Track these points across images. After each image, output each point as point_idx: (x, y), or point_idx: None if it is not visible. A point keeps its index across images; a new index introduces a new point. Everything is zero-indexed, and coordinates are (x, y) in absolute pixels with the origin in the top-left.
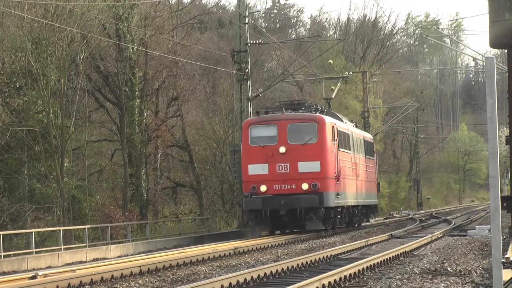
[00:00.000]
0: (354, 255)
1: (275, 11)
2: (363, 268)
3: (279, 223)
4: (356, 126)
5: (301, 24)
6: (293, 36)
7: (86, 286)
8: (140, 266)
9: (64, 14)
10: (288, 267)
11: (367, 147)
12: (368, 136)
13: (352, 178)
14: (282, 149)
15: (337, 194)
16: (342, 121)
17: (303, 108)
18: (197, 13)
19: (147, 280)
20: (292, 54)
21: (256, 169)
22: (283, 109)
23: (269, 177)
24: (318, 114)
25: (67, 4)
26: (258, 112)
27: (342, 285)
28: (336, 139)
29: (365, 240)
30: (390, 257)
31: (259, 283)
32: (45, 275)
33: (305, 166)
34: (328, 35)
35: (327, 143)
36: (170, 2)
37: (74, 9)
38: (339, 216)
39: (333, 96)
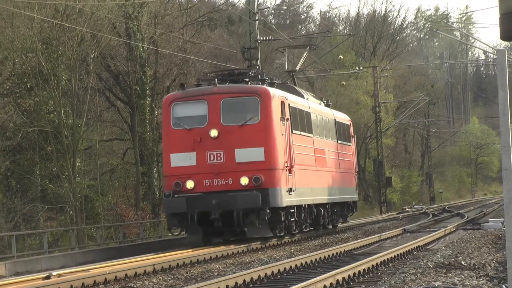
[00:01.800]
0: (367, 250)
1: (284, 8)
2: (377, 263)
3: (211, 229)
4: (328, 105)
5: (310, 20)
6: (303, 32)
7: (100, 286)
8: (154, 265)
9: (74, 13)
10: (301, 263)
11: (341, 130)
12: (342, 117)
13: (315, 169)
14: (214, 133)
15: (290, 190)
16: (302, 96)
17: (247, 80)
18: (206, 10)
19: (161, 278)
20: (302, 49)
21: (181, 159)
22: (216, 80)
23: (198, 169)
24: (262, 86)
25: (77, 4)
26: (183, 85)
27: (356, 281)
28: (287, 119)
29: (378, 235)
30: (403, 252)
31: (273, 280)
32: (59, 275)
33: (244, 155)
34: (338, 30)
35: (274, 123)
36: (180, 0)
37: (84, 8)
38: (293, 219)
39: (297, 68)
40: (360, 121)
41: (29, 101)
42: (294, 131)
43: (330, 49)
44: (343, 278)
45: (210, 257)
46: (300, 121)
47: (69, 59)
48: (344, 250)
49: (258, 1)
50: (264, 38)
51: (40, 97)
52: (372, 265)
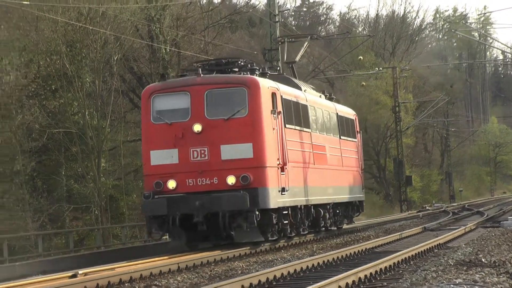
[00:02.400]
0: (388, 248)
1: (304, 9)
2: (398, 261)
3: (195, 233)
4: (331, 98)
5: (330, 22)
6: (323, 33)
7: (126, 284)
8: (178, 263)
9: (97, 16)
10: (323, 261)
11: (344, 125)
12: (345, 111)
13: (313, 166)
14: (197, 127)
15: (282, 190)
16: (299, 88)
17: (236, 70)
18: (227, 12)
19: (186, 276)
20: (323, 51)
21: (162, 156)
22: (199, 70)
23: (180, 167)
24: (251, 76)
25: (100, 7)
26: (164, 75)
27: (378, 278)
28: (280, 112)
29: (399, 233)
30: (424, 250)
31: (296, 277)
32: (85, 274)
33: (230, 151)
34: (358, 31)
35: (263, 116)
36: (201, 2)
37: (107, 11)
38: (287, 221)
39: (297, 59)
40: (380, 121)
41: (54, 102)
42: (287, 125)
43: (350, 50)
44: (365, 275)
45: (234, 255)
46: (295, 114)
47: (93, 61)
48: (366, 248)
49: (278, 3)
50: (285, 39)
51: (65, 99)
52: (394, 263)
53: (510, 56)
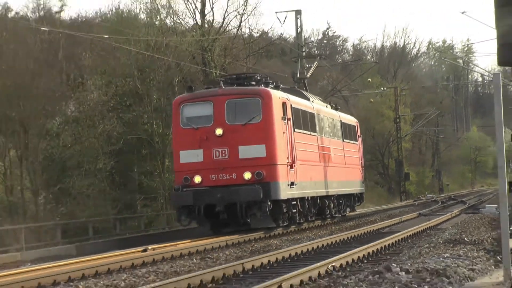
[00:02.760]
0: (391, 229)
1: (325, 41)
2: (398, 240)
3: (218, 221)
4: (336, 108)
5: (345, 51)
6: (339, 60)
7: (185, 257)
8: (226, 241)
9: (162, 47)
10: (340, 239)
11: (347, 130)
12: (348, 118)
13: (319, 164)
14: (219, 131)
15: (291, 184)
16: (308, 99)
17: (253, 83)
18: (264, 44)
19: (232, 251)
20: (339, 74)
21: (189, 156)
22: (221, 83)
23: (204, 165)
24: (265, 88)
25: (164, 40)
26: (191, 87)
27: (383, 253)
28: (289, 118)
29: (399, 218)
30: (419, 231)
31: (319, 252)
32: (154, 249)
33: (247, 151)
34: (367, 59)
35: (275, 122)
36: (243, 36)
37: (169, 43)
38: (295, 210)
39: (308, 75)
40: (384, 130)
41: (128, 115)
42: (296, 130)
43: (360, 74)
44: (373, 251)
45: (270, 235)
46: (303, 120)
47: (159, 82)
48: (373, 229)
49: (304, 36)
50: (309, 65)
51: (137, 112)
52: (395, 241)
53: (487, 78)
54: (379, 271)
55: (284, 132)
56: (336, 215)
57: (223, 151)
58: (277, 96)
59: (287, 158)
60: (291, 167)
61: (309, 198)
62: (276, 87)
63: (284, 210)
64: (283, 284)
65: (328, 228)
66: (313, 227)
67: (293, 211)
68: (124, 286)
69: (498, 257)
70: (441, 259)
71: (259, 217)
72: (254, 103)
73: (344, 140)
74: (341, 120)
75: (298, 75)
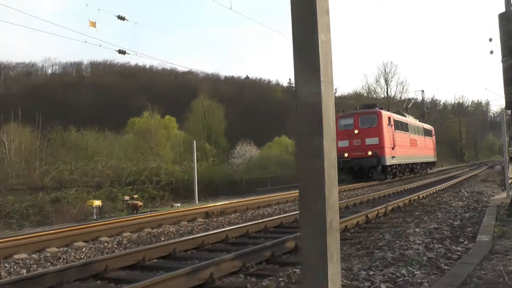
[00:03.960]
0: (459, 175)
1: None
2: (462, 179)
3: (354, 174)
4: (421, 121)
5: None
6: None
7: (344, 193)
8: (362, 185)
9: None
10: (403, 189)
11: (426, 131)
12: (428, 126)
13: (409, 147)
14: (356, 131)
15: (393, 157)
16: (404, 116)
17: (375, 108)
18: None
19: (364, 190)
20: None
21: (342, 144)
22: (358, 108)
23: (349, 148)
24: (378, 109)
25: None
26: (344, 111)
27: (456, 185)
28: (392, 125)
29: (461, 170)
30: (470, 176)
31: (392, 195)
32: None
33: (370, 141)
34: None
35: (383, 126)
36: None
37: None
38: (394, 170)
39: (409, 106)
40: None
41: None
42: (396, 130)
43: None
44: (452, 184)
45: (362, 186)
46: (401, 126)
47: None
48: (447, 176)
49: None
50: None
51: None
52: (461, 180)
53: None
54: (456, 191)
55: (389, 132)
56: (420, 171)
57: (357, 141)
58: (386, 114)
59: (390, 144)
60: (393, 149)
61: (404, 164)
62: (386, 110)
63: (389, 170)
64: (389, 207)
65: (418, 177)
66: (407, 178)
67: (394, 171)
68: None
69: (503, 187)
70: (481, 187)
71: (375, 174)
72: (373, 117)
73: (425, 136)
74: (423, 127)
75: (404, 107)
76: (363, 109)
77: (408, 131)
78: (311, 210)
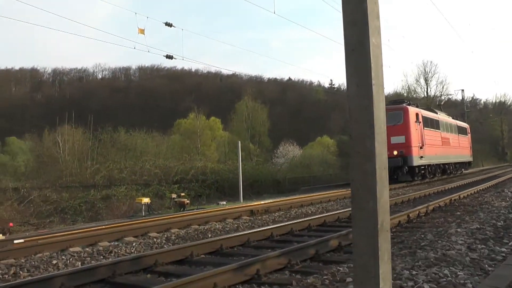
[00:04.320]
0: (501, 174)
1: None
2: (504, 179)
3: None
4: (456, 118)
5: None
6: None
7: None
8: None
9: None
10: (436, 191)
11: (460, 129)
12: (463, 124)
13: (440, 146)
14: None
15: (421, 157)
16: (436, 113)
17: (403, 103)
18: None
19: (390, 192)
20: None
21: None
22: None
23: None
24: (405, 105)
25: None
26: None
27: (498, 185)
28: (421, 122)
29: (503, 170)
30: (507, 178)
31: (422, 198)
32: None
33: (395, 139)
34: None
35: (410, 123)
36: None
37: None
38: (423, 172)
39: (442, 103)
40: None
41: None
42: (425, 128)
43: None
44: (493, 184)
45: (395, 188)
46: (430, 123)
47: None
48: (487, 176)
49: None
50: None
51: None
52: (502, 180)
53: None
54: (498, 191)
55: (416, 129)
56: (454, 173)
57: None
58: (413, 110)
59: (418, 143)
60: (421, 148)
61: (434, 164)
62: (414, 106)
63: (417, 171)
64: (430, 206)
65: (450, 179)
66: (439, 179)
67: (423, 172)
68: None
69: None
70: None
71: (401, 175)
72: (399, 113)
73: (459, 134)
74: (457, 124)
75: (437, 103)
76: (389, 105)
77: (439, 129)
78: (363, 210)
